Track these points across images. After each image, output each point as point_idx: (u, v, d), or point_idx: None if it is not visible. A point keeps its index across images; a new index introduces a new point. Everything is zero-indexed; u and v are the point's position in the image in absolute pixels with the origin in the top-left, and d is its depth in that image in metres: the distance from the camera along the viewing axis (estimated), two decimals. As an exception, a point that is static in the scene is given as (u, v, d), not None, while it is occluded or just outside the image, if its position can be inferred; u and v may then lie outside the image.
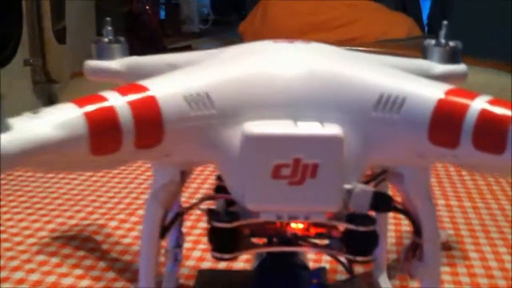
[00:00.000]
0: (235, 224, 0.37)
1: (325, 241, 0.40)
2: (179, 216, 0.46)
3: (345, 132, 0.34)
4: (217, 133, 0.35)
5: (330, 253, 0.43)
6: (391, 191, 0.49)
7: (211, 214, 0.38)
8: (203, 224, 0.82)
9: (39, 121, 0.30)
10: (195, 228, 0.81)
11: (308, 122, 0.35)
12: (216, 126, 0.35)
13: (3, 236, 0.79)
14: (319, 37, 1.65)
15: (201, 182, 1.00)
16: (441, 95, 0.33)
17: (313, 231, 0.40)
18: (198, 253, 0.75)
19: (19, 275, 0.69)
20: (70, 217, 0.87)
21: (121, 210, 0.89)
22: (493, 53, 1.54)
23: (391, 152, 0.36)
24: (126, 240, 0.79)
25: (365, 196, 0.36)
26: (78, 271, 0.70)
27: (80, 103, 0.31)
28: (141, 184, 1.01)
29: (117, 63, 0.51)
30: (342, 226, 0.38)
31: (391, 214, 0.75)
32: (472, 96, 0.33)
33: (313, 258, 0.71)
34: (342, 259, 0.43)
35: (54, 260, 0.73)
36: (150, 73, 0.45)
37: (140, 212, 0.88)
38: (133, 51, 0.53)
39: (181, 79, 0.36)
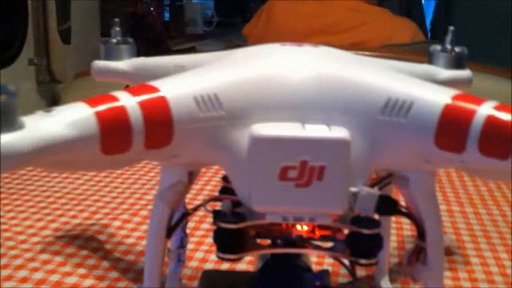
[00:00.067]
0: (241, 225, 0.37)
1: (329, 243, 0.41)
2: (186, 216, 0.46)
3: (352, 135, 0.34)
4: (225, 134, 0.35)
5: (334, 255, 0.43)
6: (394, 195, 0.49)
7: (217, 215, 0.38)
8: (206, 225, 0.82)
9: (52, 120, 0.30)
10: (198, 229, 0.82)
11: (315, 125, 0.35)
12: (225, 127, 0.35)
13: (7, 234, 0.80)
14: (323, 40, 1.65)
15: (204, 184, 1.00)
16: (448, 100, 0.34)
17: (318, 233, 0.40)
18: (201, 254, 0.75)
19: (22, 273, 0.69)
20: (74, 217, 0.87)
21: (124, 210, 0.90)
22: (494, 59, 1.54)
23: (397, 155, 0.37)
24: (129, 240, 0.79)
25: (370, 199, 0.36)
26: (82, 270, 0.71)
27: (92, 102, 0.32)
28: (145, 184, 1.01)
29: (124, 64, 0.52)
30: (346, 229, 0.39)
31: (393, 218, 0.75)
32: (479, 101, 0.33)
33: (316, 261, 0.71)
34: (345, 261, 0.44)
35: (58, 259, 0.73)
36: (157, 74, 0.45)
37: (144, 212, 0.88)
38: (137, 52, 0.54)
39: (191, 80, 0.36)
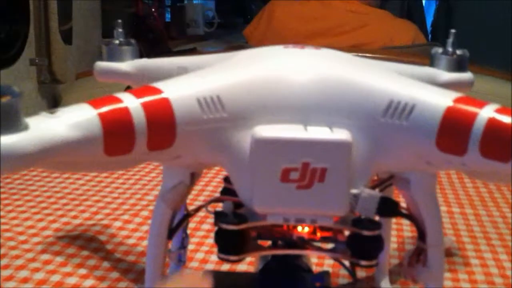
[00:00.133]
0: (242, 226, 0.38)
1: (330, 245, 0.41)
2: (188, 217, 0.46)
3: (354, 137, 0.35)
4: (227, 136, 0.35)
5: (335, 257, 0.43)
6: (394, 196, 0.49)
7: (219, 216, 0.38)
8: (207, 226, 0.83)
9: (55, 121, 0.30)
10: (199, 229, 0.82)
11: (318, 127, 0.35)
12: (227, 129, 0.35)
13: (8, 234, 0.80)
14: (324, 42, 1.65)
15: (205, 184, 1.01)
16: (450, 103, 0.34)
17: (319, 234, 0.40)
18: (201, 255, 0.75)
19: (23, 273, 0.69)
20: (75, 217, 0.87)
21: (125, 211, 0.90)
22: (495, 61, 1.54)
23: (399, 158, 0.37)
24: (130, 241, 0.80)
25: (372, 201, 0.37)
26: (82, 271, 0.71)
27: (96, 104, 0.32)
28: (145, 185, 1.01)
29: (127, 65, 0.52)
30: (347, 230, 0.39)
31: (393, 219, 0.75)
32: (481, 104, 0.33)
33: (316, 262, 0.71)
34: (346, 262, 0.44)
35: (59, 259, 0.74)
36: (160, 75, 0.46)
37: (145, 213, 0.89)
38: (138, 53, 0.54)
39: (194, 81, 0.36)
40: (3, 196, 0.94)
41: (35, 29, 1.37)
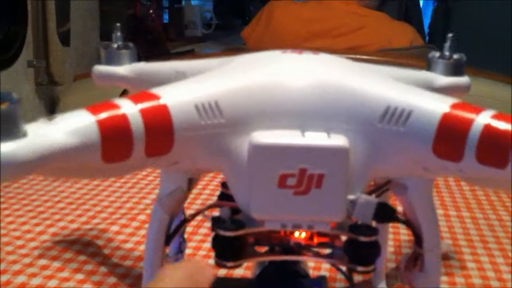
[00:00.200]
0: (239, 232, 0.38)
1: (327, 250, 0.41)
2: (185, 223, 0.46)
3: (351, 143, 0.35)
4: (225, 141, 0.35)
5: (332, 262, 0.43)
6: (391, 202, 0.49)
7: (216, 222, 0.38)
8: (204, 230, 0.82)
9: (54, 128, 0.30)
10: (196, 234, 0.82)
11: (315, 132, 0.35)
12: (225, 135, 0.35)
13: (6, 239, 0.80)
14: (322, 44, 1.65)
15: (202, 188, 1.01)
16: (447, 109, 0.34)
17: (316, 240, 0.40)
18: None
19: (21, 279, 0.69)
20: (72, 221, 0.87)
21: (122, 215, 0.90)
22: (493, 64, 1.54)
23: (396, 163, 0.37)
24: (128, 245, 0.79)
25: (368, 207, 0.37)
26: (80, 276, 0.71)
27: (94, 110, 0.32)
28: (143, 189, 1.01)
29: (125, 69, 0.52)
30: (344, 236, 0.39)
31: (390, 224, 0.75)
32: (477, 110, 0.33)
33: (313, 266, 0.71)
34: (343, 267, 0.44)
35: (56, 264, 0.73)
36: (158, 79, 0.46)
37: (142, 217, 0.88)
38: (136, 55, 0.54)
39: (192, 87, 0.36)
40: (0, 200, 0.94)
41: (33, 30, 1.36)
